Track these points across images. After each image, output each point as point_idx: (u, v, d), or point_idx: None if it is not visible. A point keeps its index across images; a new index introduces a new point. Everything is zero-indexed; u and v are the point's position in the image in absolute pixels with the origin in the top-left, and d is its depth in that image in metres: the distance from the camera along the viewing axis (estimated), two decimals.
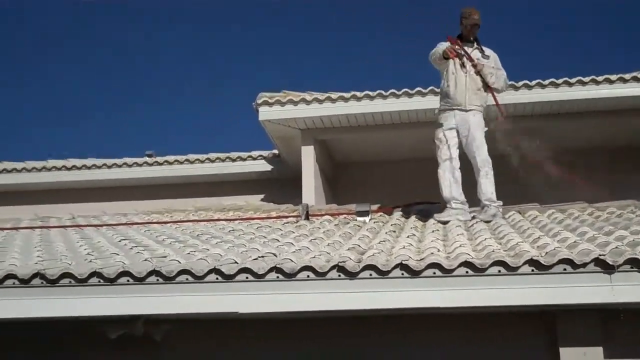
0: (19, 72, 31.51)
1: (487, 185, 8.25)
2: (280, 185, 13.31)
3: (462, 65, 8.66)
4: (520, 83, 11.57)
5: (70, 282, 6.25)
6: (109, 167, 13.77)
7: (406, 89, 11.86)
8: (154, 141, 33.09)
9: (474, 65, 8.45)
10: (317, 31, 30.12)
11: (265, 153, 13.60)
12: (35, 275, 6.26)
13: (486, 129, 8.57)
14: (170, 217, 10.91)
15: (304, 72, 29.76)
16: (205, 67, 31.60)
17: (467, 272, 5.83)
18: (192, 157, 13.72)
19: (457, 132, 8.51)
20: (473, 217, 8.44)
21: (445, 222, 8.38)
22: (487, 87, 8.59)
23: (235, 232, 8.58)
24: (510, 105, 11.11)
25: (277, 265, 6.01)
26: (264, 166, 13.48)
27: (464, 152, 8.73)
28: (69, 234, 9.25)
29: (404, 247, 6.45)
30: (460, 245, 6.33)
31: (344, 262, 5.97)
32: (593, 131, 12.10)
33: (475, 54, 8.64)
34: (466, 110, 8.47)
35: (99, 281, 6.21)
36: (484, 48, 8.80)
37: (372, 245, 6.83)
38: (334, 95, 12.04)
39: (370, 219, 9.18)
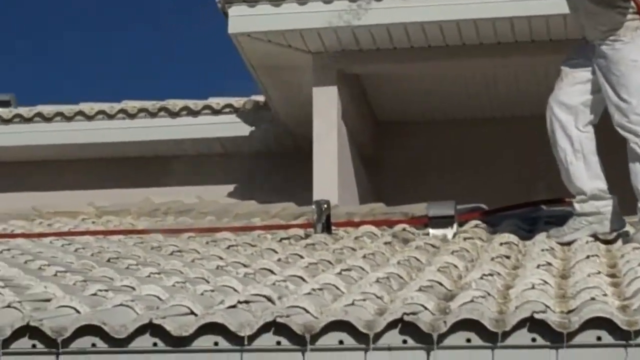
0: None
1: None
2: (270, 165, 7.92)
3: None
4: None
5: None
6: None
7: None
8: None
9: None
10: None
11: (237, 101, 8.05)
12: None
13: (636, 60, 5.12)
14: (40, 223, 6.71)
15: None
16: None
17: None
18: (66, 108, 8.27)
19: (594, 71, 5.22)
20: (618, 236, 4.99)
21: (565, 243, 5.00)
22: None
23: (184, 254, 5.29)
24: None
25: (278, 320, 3.28)
26: (233, 128, 7.85)
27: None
28: None
29: (532, 287, 3.42)
30: None
31: (415, 314, 3.27)
32: None
33: None
34: (593, 44, 5.24)
35: None
36: None
37: (467, 282, 3.75)
38: None
39: (455, 233, 5.61)
